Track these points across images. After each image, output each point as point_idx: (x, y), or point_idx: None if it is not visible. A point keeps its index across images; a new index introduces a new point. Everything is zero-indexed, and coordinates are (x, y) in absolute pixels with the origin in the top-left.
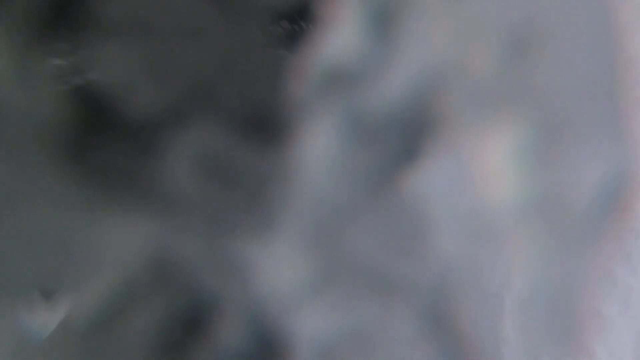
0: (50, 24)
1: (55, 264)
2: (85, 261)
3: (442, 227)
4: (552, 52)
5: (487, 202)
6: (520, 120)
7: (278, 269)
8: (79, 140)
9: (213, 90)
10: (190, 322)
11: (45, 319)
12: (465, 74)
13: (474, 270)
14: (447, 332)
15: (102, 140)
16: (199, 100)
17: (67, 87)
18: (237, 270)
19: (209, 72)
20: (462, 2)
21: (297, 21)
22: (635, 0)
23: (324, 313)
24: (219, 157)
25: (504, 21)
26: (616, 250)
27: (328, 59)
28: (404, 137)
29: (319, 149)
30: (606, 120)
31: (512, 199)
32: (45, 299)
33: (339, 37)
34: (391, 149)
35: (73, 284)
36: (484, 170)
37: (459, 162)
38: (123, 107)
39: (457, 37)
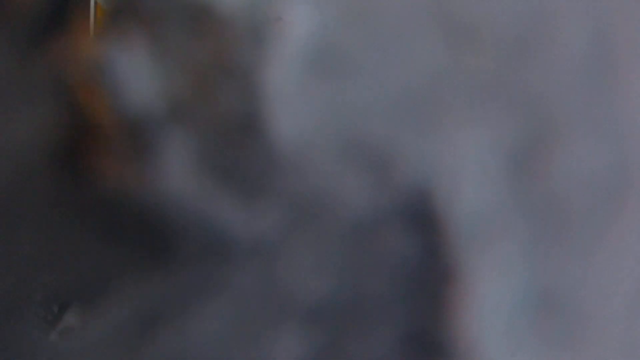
0: (49, 23)
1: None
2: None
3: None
4: (549, 51)
5: (484, 201)
6: (515, 119)
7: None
8: (77, 140)
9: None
10: None
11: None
12: (460, 74)
13: (473, 269)
14: (442, 327)
15: (101, 138)
16: (198, 97)
17: (66, 86)
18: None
19: (207, 68)
20: (459, 1)
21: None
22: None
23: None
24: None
25: (500, 21)
26: (613, 249)
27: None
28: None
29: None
30: (603, 119)
31: (507, 198)
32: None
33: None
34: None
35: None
36: (480, 169)
37: (455, 160)
38: (124, 104)
39: (452, 37)
